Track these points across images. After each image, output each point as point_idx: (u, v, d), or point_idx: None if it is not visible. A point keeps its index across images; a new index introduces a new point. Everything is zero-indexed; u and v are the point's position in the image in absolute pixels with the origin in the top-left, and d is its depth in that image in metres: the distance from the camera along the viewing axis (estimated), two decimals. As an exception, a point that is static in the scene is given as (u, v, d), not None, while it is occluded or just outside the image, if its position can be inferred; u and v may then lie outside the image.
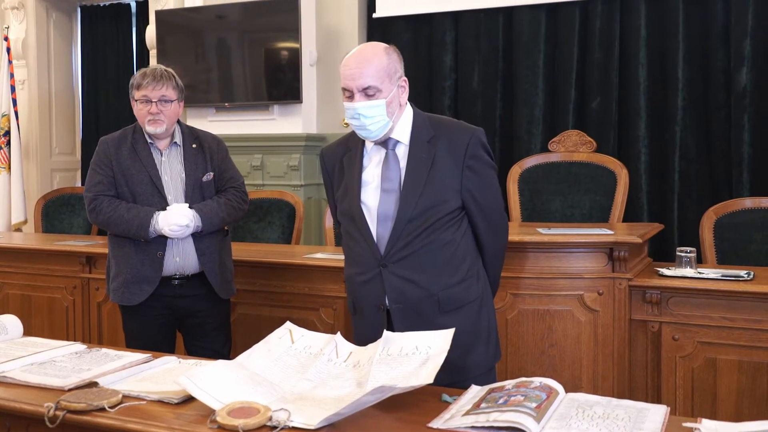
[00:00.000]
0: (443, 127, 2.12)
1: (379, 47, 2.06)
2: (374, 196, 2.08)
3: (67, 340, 2.56)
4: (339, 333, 1.87)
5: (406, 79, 2.10)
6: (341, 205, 2.16)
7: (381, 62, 2.02)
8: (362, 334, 2.07)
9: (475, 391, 1.68)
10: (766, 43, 4.46)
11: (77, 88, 7.15)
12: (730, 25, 4.53)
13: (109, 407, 1.60)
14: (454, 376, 1.89)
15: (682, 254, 2.93)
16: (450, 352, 1.95)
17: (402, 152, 2.09)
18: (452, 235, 2.07)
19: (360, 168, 2.12)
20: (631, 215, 4.41)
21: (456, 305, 2.07)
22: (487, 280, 2.19)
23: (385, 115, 2.03)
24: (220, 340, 2.95)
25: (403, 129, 2.10)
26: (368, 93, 2.01)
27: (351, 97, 2.03)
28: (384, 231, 2.06)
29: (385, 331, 1.81)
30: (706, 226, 3.41)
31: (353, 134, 2.13)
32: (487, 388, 1.67)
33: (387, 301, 2.07)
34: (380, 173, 2.09)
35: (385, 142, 2.10)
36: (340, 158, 2.18)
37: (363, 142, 2.13)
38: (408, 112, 2.13)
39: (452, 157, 2.06)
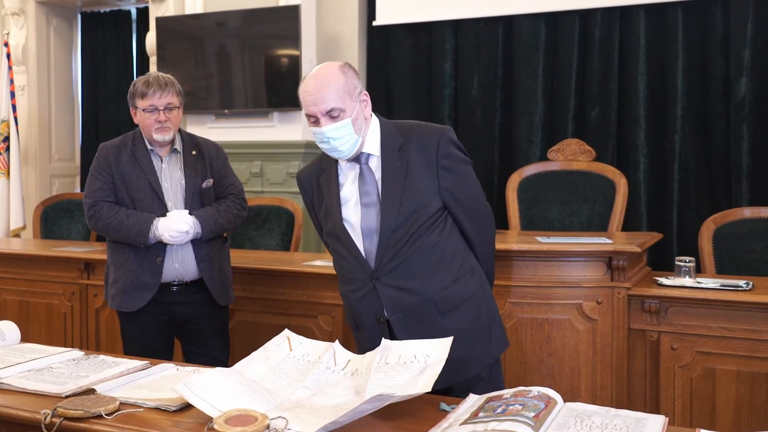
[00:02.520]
0: (411, 132, 2.12)
1: (333, 68, 2.07)
2: (355, 213, 2.09)
3: (65, 346, 2.56)
4: (337, 341, 1.87)
5: (366, 92, 2.11)
6: (325, 226, 2.18)
7: (339, 83, 2.02)
8: (366, 348, 2.06)
9: (473, 400, 1.67)
10: (765, 53, 4.47)
11: (77, 94, 7.16)
12: (729, 35, 4.54)
13: (107, 414, 1.59)
14: (459, 372, 1.92)
15: (681, 264, 2.93)
16: (453, 350, 1.95)
17: (375, 164, 2.10)
18: (438, 237, 2.08)
19: (337, 186, 2.13)
20: (630, 224, 4.41)
21: (454, 304, 2.08)
22: (482, 273, 2.19)
23: (353, 133, 2.04)
24: (218, 346, 2.94)
25: (372, 141, 2.11)
26: (332, 115, 2.02)
27: (317, 122, 2.04)
28: (371, 245, 2.07)
29: (383, 339, 1.80)
30: (705, 236, 3.41)
31: (325, 155, 2.14)
32: (485, 397, 1.67)
33: (386, 313, 2.07)
34: (357, 189, 2.10)
35: (358, 158, 2.11)
36: (317, 179, 2.20)
37: (336, 160, 2.14)
38: (374, 123, 2.13)
39: (425, 161, 2.07)
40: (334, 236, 2.13)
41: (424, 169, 2.06)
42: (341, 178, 2.14)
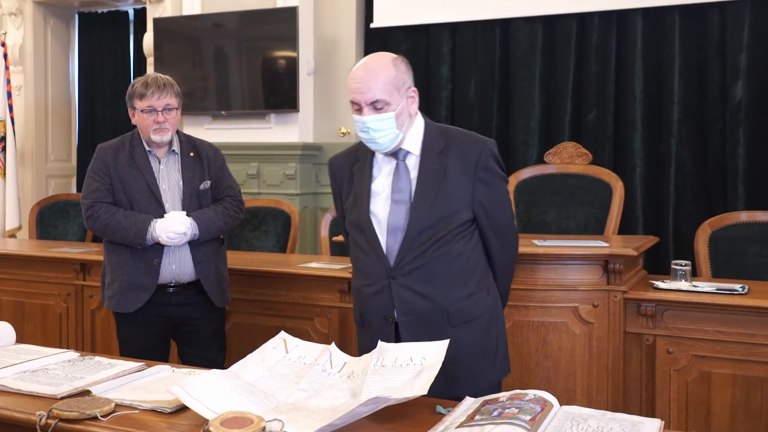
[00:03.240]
0: (455, 138, 2.09)
1: (386, 59, 2.04)
2: (384, 207, 2.06)
3: (60, 347, 2.55)
4: (333, 343, 1.87)
5: (415, 89, 2.07)
6: (350, 215, 2.14)
7: (389, 75, 2.00)
8: (369, 347, 2.04)
9: (469, 403, 1.67)
10: (761, 57, 4.48)
11: (74, 94, 7.15)
12: (725, 39, 4.56)
13: (102, 416, 1.59)
14: (458, 390, 1.86)
15: (677, 267, 2.93)
16: (456, 366, 1.95)
17: (412, 163, 2.07)
18: (463, 247, 2.04)
19: (370, 178, 2.09)
20: (626, 227, 4.42)
21: (465, 319, 2.04)
22: (497, 293, 2.16)
23: (394, 127, 2.00)
24: (214, 348, 2.94)
25: (413, 140, 2.07)
26: (377, 106, 1.99)
27: (359, 111, 2.01)
28: (394, 242, 2.03)
29: (379, 341, 1.80)
30: (701, 239, 3.42)
31: (362, 144, 2.10)
32: (481, 400, 1.67)
33: (395, 314, 2.04)
34: (390, 184, 2.06)
35: (396, 153, 2.07)
36: (350, 168, 2.16)
37: (372, 152, 2.11)
38: (419, 122, 2.10)
39: (463, 169, 2.04)
40: (358, 227, 2.10)
41: (461, 177, 2.03)
42: (375, 171, 2.11)
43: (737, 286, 2.84)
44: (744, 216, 3.48)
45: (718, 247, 3.39)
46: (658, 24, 4.74)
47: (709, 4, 4.58)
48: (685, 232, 4.59)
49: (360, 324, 2.18)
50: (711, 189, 4.68)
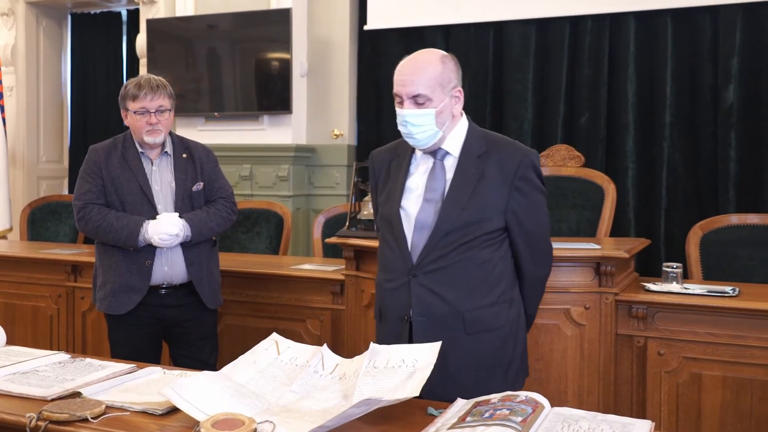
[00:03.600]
0: (496, 144, 2.06)
1: (435, 55, 2.02)
2: (415, 204, 2.04)
3: (51, 349, 2.54)
4: (325, 345, 1.87)
5: (461, 89, 2.04)
6: (382, 209, 2.12)
7: (434, 71, 1.98)
8: (385, 343, 2.05)
9: (460, 405, 1.67)
10: (753, 61, 4.51)
11: (66, 95, 7.13)
12: (717, 43, 4.58)
13: (92, 418, 1.58)
14: (465, 398, 1.84)
15: (669, 270, 2.94)
16: (465, 375, 1.95)
17: (450, 164, 2.05)
18: (490, 255, 2.01)
19: (406, 174, 2.08)
20: (618, 230, 4.43)
21: (482, 328, 2.01)
22: (521, 308, 2.12)
23: (434, 124, 1.98)
24: (206, 350, 2.94)
25: (454, 141, 2.05)
26: (418, 101, 1.97)
27: (401, 104, 1.99)
28: (419, 240, 2.01)
29: (371, 343, 1.80)
30: (693, 242, 3.43)
31: (403, 140, 2.09)
32: (473, 401, 1.67)
33: (411, 313, 2.01)
34: (425, 182, 2.04)
35: (435, 152, 2.06)
36: (388, 163, 2.14)
37: (412, 149, 2.09)
38: (462, 123, 2.08)
39: (501, 176, 2.01)
40: (387, 221, 2.08)
41: (497, 184, 2.00)
42: (412, 168, 2.09)
43: (728, 289, 2.85)
44: (735, 219, 3.50)
45: (709, 250, 3.41)
46: (651, 28, 4.76)
47: (701, 9, 4.60)
48: (677, 234, 4.61)
49: (378, 319, 2.16)
50: (702, 192, 4.70)
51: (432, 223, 2.00)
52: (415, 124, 1.98)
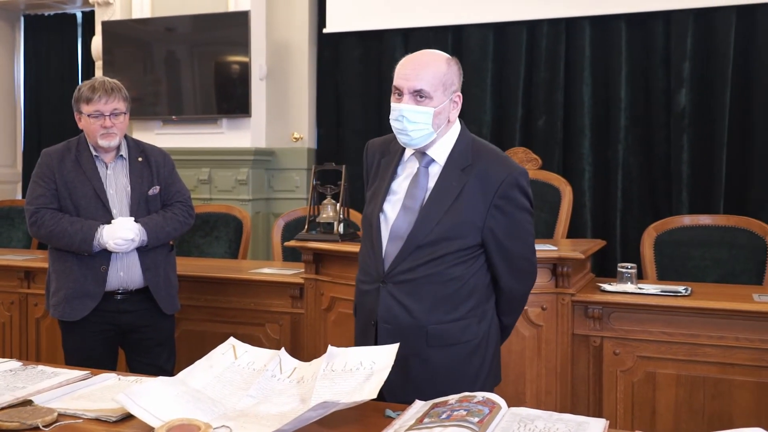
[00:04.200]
0: (482, 159, 2.00)
1: (441, 55, 1.99)
2: (394, 209, 2.01)
3: (3, 357, 2.49)
4: (283, 348, 1.86)
5: (461, 95, 2.00)
6: (366, 207, 2.10)
7: (439, 69, 1.94)
8: (358, 339, 2.03)
9: (418, 407, 1.68)
10: (704, 65, 4.62)
11: (19, 98, 6.99)
12: (670, 48, 4.68)
13: (44, 426, 1.55)
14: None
15: (624, 270, 2.99)
16: (430, 387, 1.92)
17: (434, 172, 2.01)
18: (461, 272, 1.97)
19: (392, 176, 2.06)
20: (574, 231, 4.49)
21: (446, 343, 1.98)
22: (493, 323, 2.07)
23: (430, 124, 1.94)
24: (163, 356, 2.90)
25: (442, 149, 2.00)
26: (419, 97, 1.93)
27: (400, 97, 1.95)
28: (393, 249, 1.99)
29: (329, 346, 1.80)
30: (647, 243, 3.50)
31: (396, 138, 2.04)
32: (430, 403, 1.67)
33: (378, 319, 2.01)
34: (407, 188, 2.02)
35: (421, 157, 2.02)
36: (379, 158, 2.11)
37: (402, 149, 2.05)
38: (454, 130, 2.03)
39: (482, 193, 1.95)
40: (368, 223, 2.06)
41: (476, 200, 1.95)
42: (399, 169, 2.06)
43: (681, 288, 2.91)
44: (687, 220, 3.57)
45: (662, 250, 3.48)
46: (606, 32, 4.84)
47: (654, 14, 4.69)
48: (632, 235, 4.70)
49: (355, 314, 2.16)
50: (656, 193, 4.79)
51: (405, 234, 1.98)
52: (411, 120, 1.93)
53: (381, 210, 2.03)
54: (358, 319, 2.12)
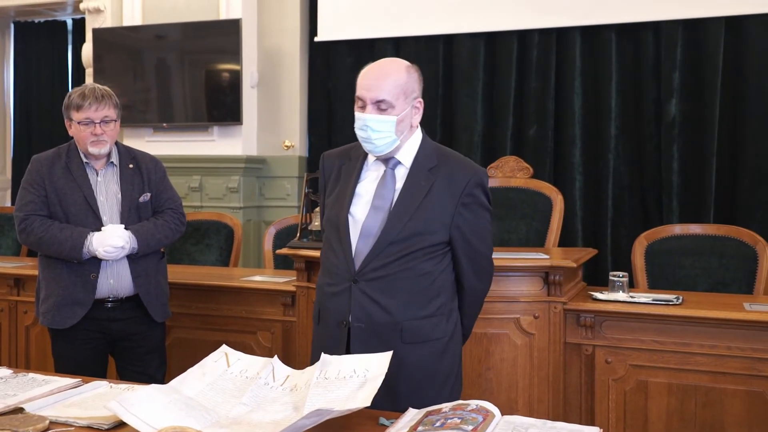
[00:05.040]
0: (448, 160, 2.09)
1: (401, 64, 2.05)
2: (363, 210, 2.05)
3: (-8, 365, 2.47)
4: (276, 356, 1.85)
5: (421, 101, 2.07)
6: (329, 211, 2.13)
7: (399, 78, 2.00)
8: (321, 346, 2.02)
9: (412, 414, 1.68)
10: (694, 75, 4.65)
11: (9, 105, 6.97)
12: (660, 58, 4.71)
13: (35, 434, 1.54)
14: (401, 405, 1.82)
15: (615, 279, 3.00)
16: (403, 385, 1.97)
17: (401, 174, 2.07)
18: (431, 268, 2.03)
19: (356, 180, 2.09)
20: (565, 240, 4.50)
21: (419, 339, 2.02)
22: (458, 322, 2.13)
23: (393, 132, 2.00)
24: (154, 364, 2.88)
25: (408, 152, 2.07)
26: (381, 107, 1.99)
27: (363, 108, 2.00)
28: (364, 247, 2.03)
29: (322, 354, 1.79)
30: (638, 252, 3.51)
31: (356, 145, 2.10)
32: (424, 411, 1.67)
33: (350, 318, 2.02)
34: (374, 189, 2.06)
35: (387, 160, 2.07)
36: (339, 167, 2.15)
37: (365, 155, 2.10)
38: (417, 135, 2.10)
39: (449, 192, 2.03)
40: (333, 225, 2.08)
41: (445, 199, 2.03)
42: (363, 173, 2.10)
43: (672, 297, 2.92)
44: (678, 229, 3.59)
45: (653, 259, 3.49)
46: (596, 42, 4.87)
47: (644, 24, 4.73)
48: (623, 244, 4.72)
49: (316, 322, 2.16)
50: (647, 203, 4.81)
51: (377, 232, 2.02)
52: (375, 129, 1.99)
53: (348, 212, 2.06)
54: (325, 323, 2.12)
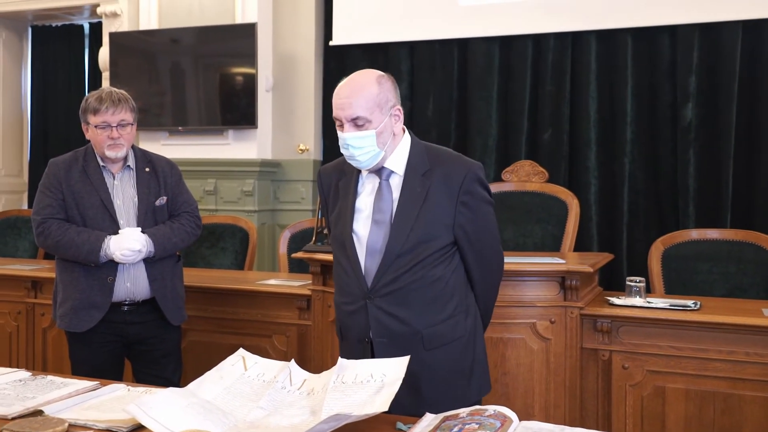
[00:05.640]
0: (440, 160, 2.07)
1: (371, 76, 2.03)
2: (365, 226, 2.04)
3: (10, 367, 2.48)
4: (293, 360, 1.85)
5: (400, 108, 2.05)
6: (334, 230, 2.13)
7: (371, 93, 1.98)
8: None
9: (429, 420, 1.67)
10: (710, 79, 4.62)
11: (26, 109, 7.02)
12: (676, 62, 4.69)
13: (55, 437, 1.55)
14: (432, 411, 1.81)
15: (632, 284, 2.98)
16: (429, 387, 1.97)
17: (396, 183, 2.06)
18: (442, 272, 2.03)
19: (354, 195, 2.08)
20: (581, 245, 4.48)
21: (441, 343, 2.03)
22: (477, 314, 2.13)
23: (375, 145, 1.99)
24: (170, 367, 2.89)
25: (398, 159, 2.06)
26: (357, 123, 1.98)
27: (341, 127, 2.00)
28: (372, 264, 2.02)
29: (339, 358, 1.79)
30: (654, 257, 3.48)
31: None
32: (441, 416, 1.67)
33: (371, 334, 2.02)
34: (372, 203, 2.05)
35: (379, 172, 2.06)
36: (336, 182, 2.15)
37: (358, 169, 2.10)
38: (405, 141, 2.08)
39: (446, 192, 2.02)
40: (340, 243, 2.09)
41: (443, 200, 2.02)
42: (359, 187, 2.09)
43: (690, 302, 2.90)
44: (695, 234, 3.56)
45: (670, 264, 3.46)
46: (612, 46, 4.85)
47: (659, 28, 4.70)
48: (638, 249, 4.68)
49: (340, 338, 2.17)
50: (663, 207, 4.78)
51: (382, 247, 2.02)
52: (356, 146, 1.99)
53: (351, 229, 2.06)
54: (347, 339, 2.13)
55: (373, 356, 2.01)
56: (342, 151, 2.03)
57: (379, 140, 2.00)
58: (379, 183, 2.07)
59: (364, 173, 2.10)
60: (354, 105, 1.98)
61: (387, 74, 2.07)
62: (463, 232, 2.04)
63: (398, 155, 2.07)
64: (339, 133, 2.02)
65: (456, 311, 2.06)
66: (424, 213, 2.01)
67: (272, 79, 5.53)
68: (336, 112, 2.01)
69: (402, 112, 2.07)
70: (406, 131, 2.11)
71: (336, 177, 2.16)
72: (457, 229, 2.04)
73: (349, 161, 2.05)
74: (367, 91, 1.99)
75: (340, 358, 1.80)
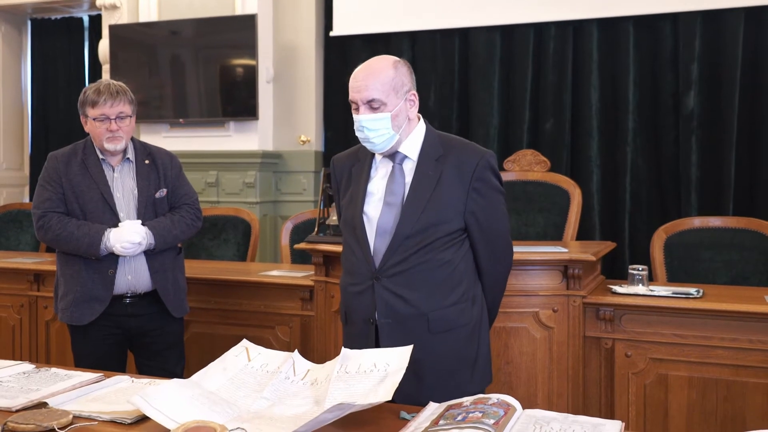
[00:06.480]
0: (453, 147, 2.10)
1: (387, 61, 2.05)
2: (376, 208, 2.06)
3: (13, 359, 2.49)
4: (296, 350, 1.85)
5: (415, 93, 2.08)
6: (345, 213, 2.15)
7: (387, 76, 2.01)
8: (351, 345, 2.03)
9: (433, 408, 1.67)
10: (712, 67, 4.60)
11: (26, 102, 7.01)
12: (678, 50, 4.67)
13: (59, 428, 1.55)
14: (435, 398, 1.82)
15: (635, 272, 2.98)
16: (432, 374, 1.97)
17: (409, 167, 2.08)
18: (451, 256, 2.04)
19: (367, 178, 2.11)
20: (583, 234, 4.48)
21: (446, 327, 2.04)
22: (484, 306, 2.15)
23: (390, 128, 2.02)
24: (173, 359, 2.89)
25: (412, 144, 2.09)
26: (373, 106, 2.01)
27: (357, 110, 2.03)
28: (381, 244, 2.04)
29: (342, 348, 1.79)
30: (657, 245, 3.48)
31: (363, 146, 2.12)
32: (445, 405, 1.67)
33: (376, 315, 2.04)
34: (385, 185, 2.08)
35: (393, 156, 2.09)
36: (349, 168, 2.17)
37: (373, 153, 2.12)
38: (420, 127, 2.11)
39: (459, 178, 2.04)
40: (350, 226, 2.10)
41: (455, 186, 2.04)
42: (372, 172, 2.12)
43: (692, 290, 2.90)
44: (697, 222, 3.56)
45: (672, 252, 3.46)
46: (613, 35, 4.84)
47: (662, 16, 4.69)
48: (641, 237, 4.69)
49: (344, 322, 2.18)
50: (665, 196, 4.78)
51: (392, 228, 2.04)
52: (371, 128, 2.01)
53: (362, 211, 2.08)
54: (352, 321, 2.14)
55: (377, 338, 2.03)
56: (357, 133, 2.05)
57: (394, 123, 2.02)
58: (393, 167, 2.08)
59: (378, 158, 2.12)
60: (370, 87, 2.00)
61: (403, 60, 2.09)
62: (474, 219, 2.06)
63: (413, 140, 2.09)
64: (354, 115, 2.04)
65: (463, 298, 2.07)
66: (437, 196, 2.03)
67: (273, 71, 5.52)
68: (352, 95, 2.04)
69: (417, 97, 2.09)
70: (422, 118, 2.13)
71: (349, 163, 2.18)
72: (468, 215, 2.05)
73: (363, 143, 2.07)
74: (383, 74, 2.01)
75: (343, 348, 1.80)
